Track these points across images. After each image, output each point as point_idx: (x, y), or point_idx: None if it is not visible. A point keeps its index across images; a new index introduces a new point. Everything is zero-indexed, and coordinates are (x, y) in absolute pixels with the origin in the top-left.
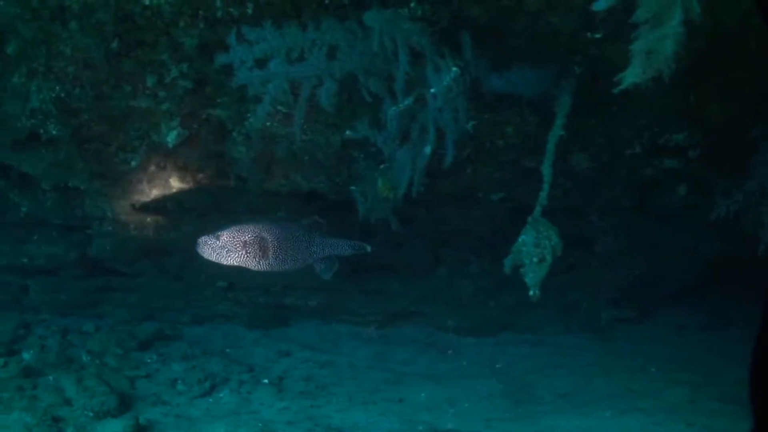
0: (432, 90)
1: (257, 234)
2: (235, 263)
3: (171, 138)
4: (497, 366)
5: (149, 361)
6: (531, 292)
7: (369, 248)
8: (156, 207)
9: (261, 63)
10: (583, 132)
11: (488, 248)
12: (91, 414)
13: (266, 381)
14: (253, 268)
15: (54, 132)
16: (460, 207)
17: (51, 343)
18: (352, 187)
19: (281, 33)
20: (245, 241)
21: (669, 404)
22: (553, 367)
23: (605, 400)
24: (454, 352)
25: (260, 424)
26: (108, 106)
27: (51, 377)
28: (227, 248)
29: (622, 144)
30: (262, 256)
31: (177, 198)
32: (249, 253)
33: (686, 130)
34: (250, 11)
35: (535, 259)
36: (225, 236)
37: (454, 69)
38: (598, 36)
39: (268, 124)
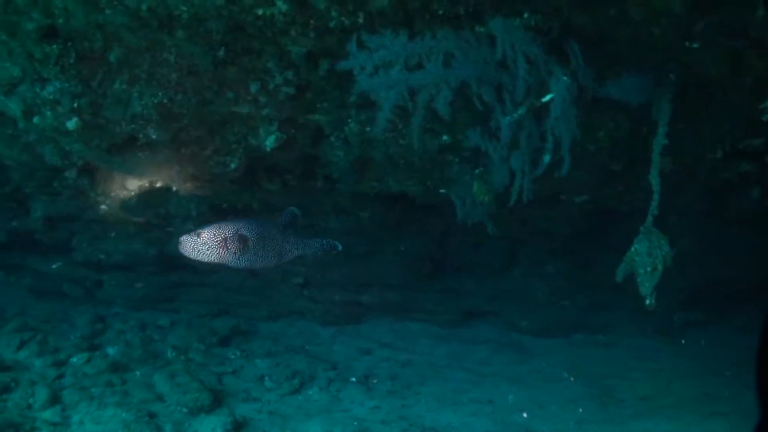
0: (546, 99)
1: (236, 231)
2: (216, 260)
3: (269, 142)
4: (576, 369)
5: (233, 357)
6: (647, 302)
7: (340, 247)
8: (243, 206)
9: (381, 70)
10: (669, 137)
11: (565, 249)
12: (185, 410)
13: (354, 379)
14: (232, 264)
15: (154, 136)
16: (542, 208)
17: (131, 338)
18: (442, 190)
19: (400, 41)
20: (225, 238)
21: (747, 409)
22: (631, 370)
23: (686, 403)
24: (529, 353)
25: (355, 423)
26: (208, 111)
27: (138, 372)
28: (208, 245)
29: (705, 148)
30: (242, 253)
31: (264, 198)
32: (229, 249)
33: (765, 136)
34: (361, 20)
35: (648, 269)
36: (205, 234)
37: (566, 78)
38: (695, 46)
39: (367, 129)
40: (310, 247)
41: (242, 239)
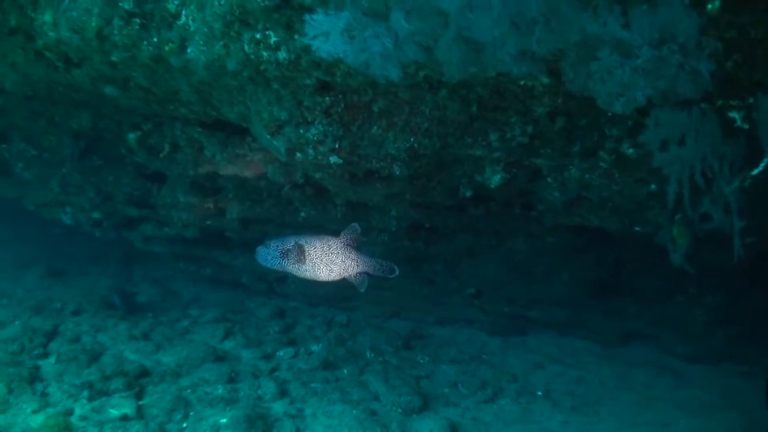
0: (756, 172)
1: (296, 243)
2: (279, 269)
3: (495, 180)
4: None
5: (422, 361)
6: None
7: (398, 271)
8: (445, 227)
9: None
10: None
11: (726, 283)
12: (399, 410)
13: (540, 393)
14: (295, 273)
15: (397, 172)
16: (715, 246)
17: (325, 335)
18: (637, 228)
19: (681, 116)
20: (287, 250)
21: None
22: None
23: None
24: (684, 378)
25: None
26: (446, 152)
27: (345, 371)
28: (273, 255)
29: None
30: (301, 263)
31: (467, 222)
32: (290, 259)
33: None
34: None
35: None
36: (273, 245)
37: None
38: None
39: (587, 176)
40: (370, 265)
41: (300, 251)
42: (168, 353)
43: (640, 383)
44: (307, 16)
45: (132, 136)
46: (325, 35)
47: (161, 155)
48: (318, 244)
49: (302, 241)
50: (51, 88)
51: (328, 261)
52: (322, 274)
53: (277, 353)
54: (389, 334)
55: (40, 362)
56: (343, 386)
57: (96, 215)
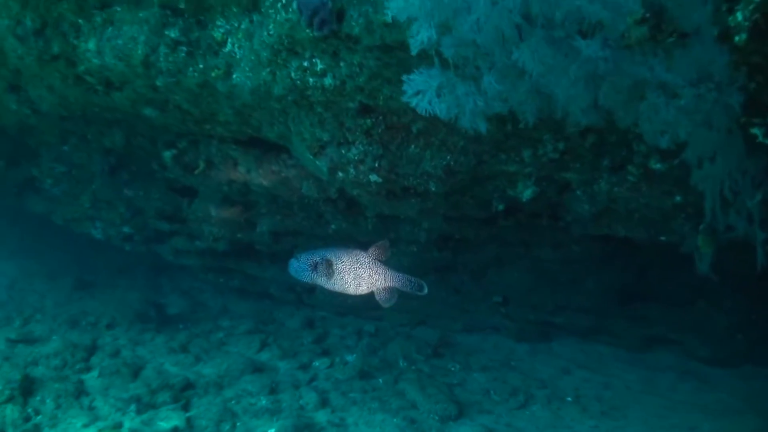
0: None
1: (323, 257)
2: (309, 281)
3: (527, 194)
4: (751, 400)
5: (453, 369)
6: None
7: (426, 290)
8: (475, 237)
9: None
10: None
11: (747, 287)
12: (436, 417)
13: (570, 399)
14: (326, 286)
15: (433, 189)
16: (738, 252)
17: (355, 345)
18: (662, 237)
19: (708, 136)
20: (315, 263)
21: None
22: None
23: None
24: (707, 382)
25: None
26: (481, 169)
27: (381, 380)
28: (303, 268)
29: None
30: (329, 276)
31: (496, 233)
32: (318, 272)
33: None
34: None
35: None
36: (302, 258)
37: None
38: None
39: (615, 189)
40: (398, 281)
41: (328, 265)
42: (208, 365)
43: (665, 387)
44: (405, 77)
45: (168, 154)
46: (422, 94)
47: (196, 172)
48: (346, 258)
49: (330, 255)
50: (86, 108)
51: (355, 275)
52: (350, 288)
53: (313, 363)
54: (418, 342)
55: (84, 377)
56: (380, 395)
57: (126, 230)
